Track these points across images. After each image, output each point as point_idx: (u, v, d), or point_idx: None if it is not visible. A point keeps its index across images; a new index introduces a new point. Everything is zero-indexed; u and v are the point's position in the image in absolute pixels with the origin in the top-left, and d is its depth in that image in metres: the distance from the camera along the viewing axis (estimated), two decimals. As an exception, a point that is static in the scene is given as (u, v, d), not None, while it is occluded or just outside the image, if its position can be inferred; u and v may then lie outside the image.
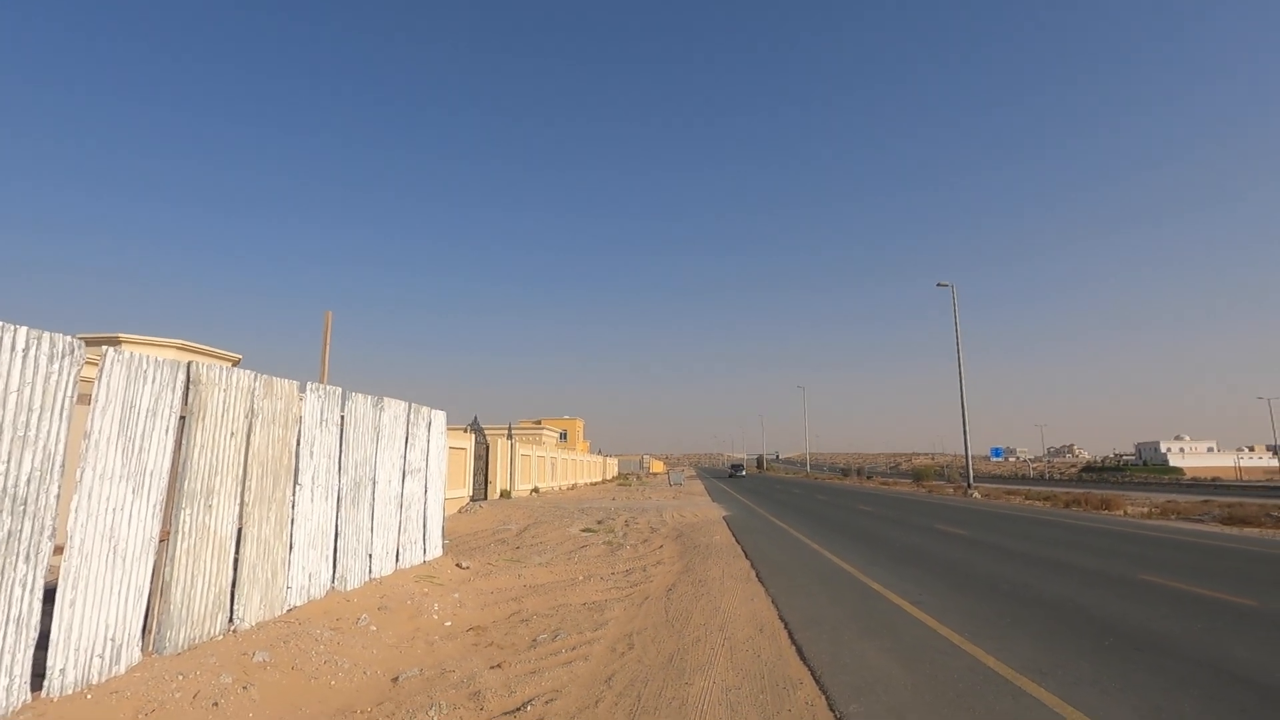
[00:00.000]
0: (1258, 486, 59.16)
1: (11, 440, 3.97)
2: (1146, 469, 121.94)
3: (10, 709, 3.85)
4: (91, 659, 4.43)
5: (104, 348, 4.66)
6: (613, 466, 74.49)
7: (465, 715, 4.46)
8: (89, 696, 4.15)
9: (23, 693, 3.97)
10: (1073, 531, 15.94)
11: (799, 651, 5.79)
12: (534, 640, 6.33)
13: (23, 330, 4.06)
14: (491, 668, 5.45)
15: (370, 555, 8.17)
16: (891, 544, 13.38)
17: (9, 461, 3.94)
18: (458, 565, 10.25)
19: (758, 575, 9.74)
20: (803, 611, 7.33)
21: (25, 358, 4.08)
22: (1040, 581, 8.98)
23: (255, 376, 6.15)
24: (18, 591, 3.96)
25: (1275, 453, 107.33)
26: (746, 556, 11.78)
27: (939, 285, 35.25)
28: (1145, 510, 21.97)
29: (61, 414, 4.28)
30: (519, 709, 4.52)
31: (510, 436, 32.31)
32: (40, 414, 4.14)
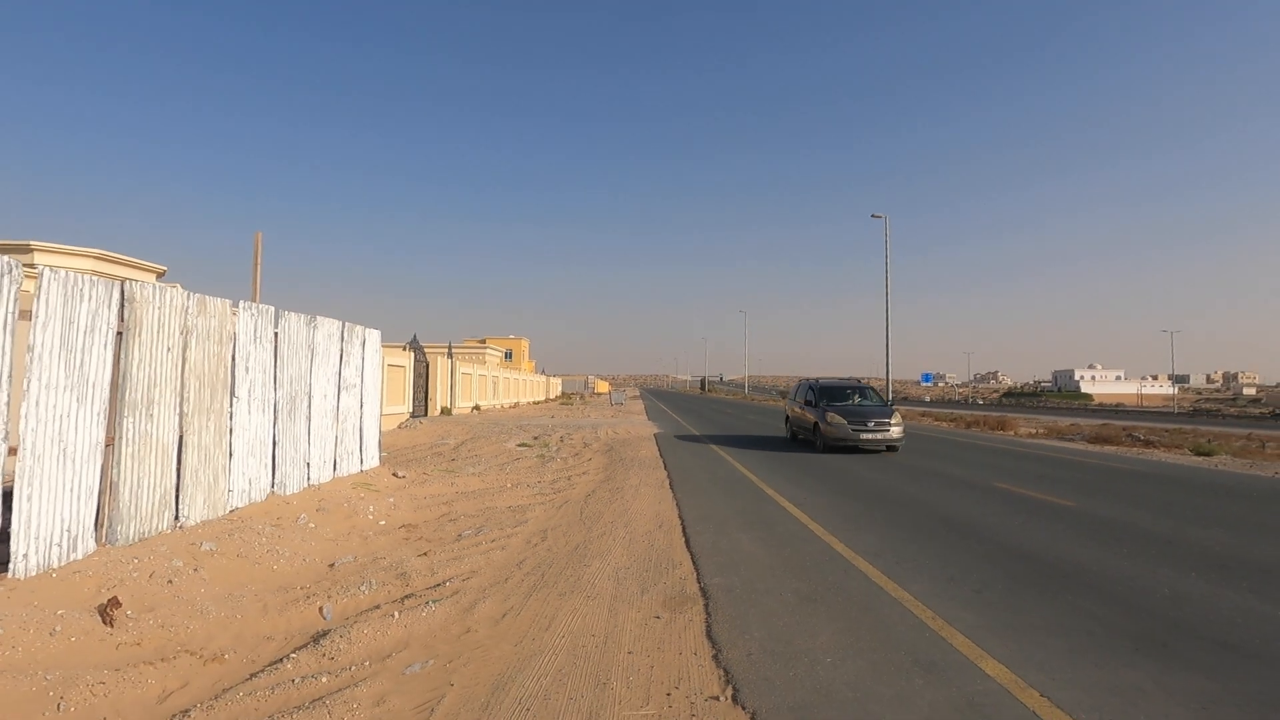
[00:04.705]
0: (1152, 411, 65.91)
1: (-40, 352, 4.34)
2: (1060, 395, 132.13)
3: (-18, 585, 4.42)
4: (50, 547, 4.98)
5: (41, 266, 4.96)
6: (556, 386, 75.57)
7: (392, 590, 5.28)
8: (54, 575, 4.74)
9: (-9, 572, 4.53)
10: (959, 448, 17.81)
11: (686, 541, 6.82)
12: (459, 535, 7.18)
13: (-40, 250, 4.35)
14: (419, 556, 6.27)
15: (308, 464, 8.77)
16: (796, 458, 14.78)
17: (-40, 371, 4.33)
18: (394, 474, 10.95)
19: (671, 483, 10.84)
20: (700, 510, 8.42)
21: (-35, 276, 4.39)
22: (907, 487, 10.39)
23: (189, 295, 6.48)
24: (-21, 486, 4.45)
25: (1174, 381, 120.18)
26: (666, 468, 12.91)
27: (873, 216, 36.30)
28: (1032, 431, 24.44)
29: (5, 328, 4.64)
30: (439, 584, 5.36)
31: (450, 355, 32.56)
32: (-16, 328, 4.50)
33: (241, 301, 7.41)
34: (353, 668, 3.81)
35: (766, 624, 4.44)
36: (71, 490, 5.16)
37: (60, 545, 5.05)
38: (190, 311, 6.49)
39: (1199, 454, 16.58)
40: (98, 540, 5.43)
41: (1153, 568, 5.86)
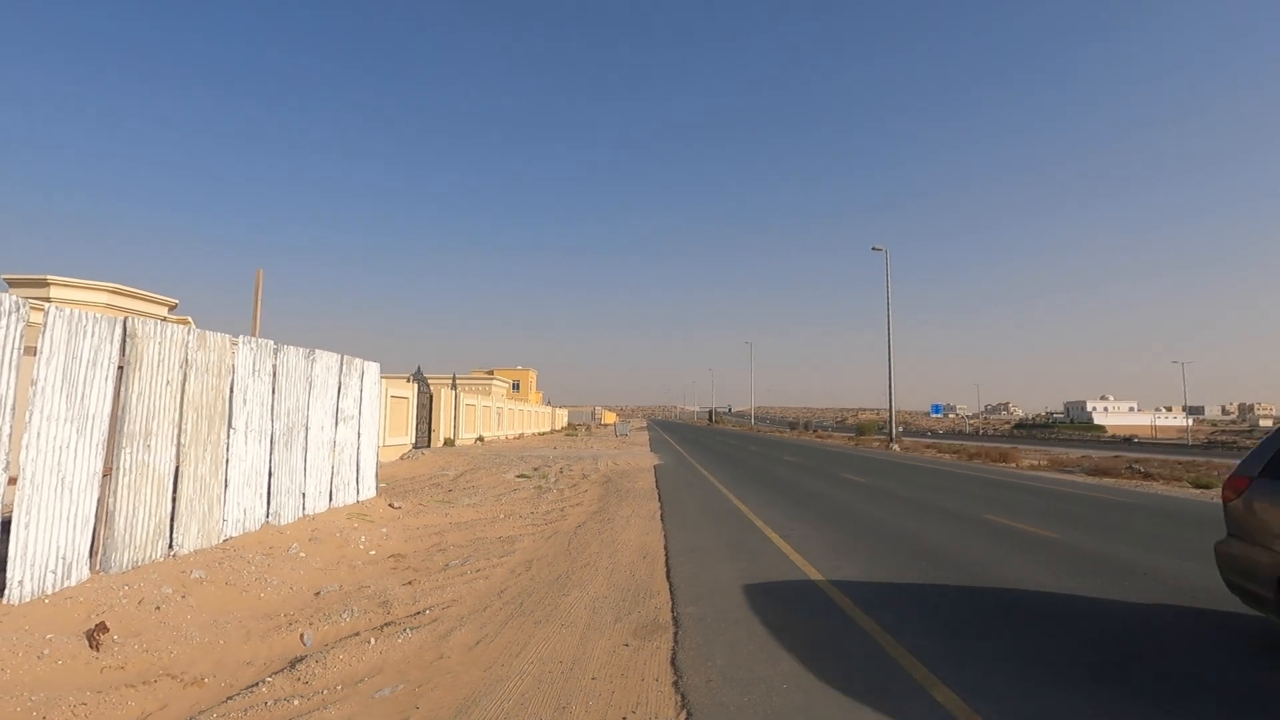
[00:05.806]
0: (1166, 444, 64.76)
1: (-33, 386, 4.61)
2: (1072, 426, 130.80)
3: (-22, 610, 4.61)
4: (45, 574, 5.17)
5: (47, 305, 5.25)
6: (562, 417, 75.67)
7: (374, 618, 5.42)
8: (47, 601, 4.92)
9: (-13, 598, 4.72)
10: (960, 480, 17.76)
11: (668, 572, 6.92)
12: (446, 565, 7.31)
13: (-27, 291, 4.64)
14: (404, 585, 6.41)
15: (304, 494, 8.95)
16: (794, 490, 14.83)
17: (-34, 405, 4.58)
18: (390, 505, 11.11)
19: (662, 515, 10.93)
20: (686, 542, 8.52)
21: (-24, 315, 4.67)
22: (897, 519, 10.42)
23: (189, 330, 6.76)
24: (-21, 514, 4.67)
25: (1188, 413, 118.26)
26: (660, 499, 12.99)
27: (874, 249, 36.77)
28: (1034, 463, 24.30)
29: (10, 364, 4.91)
30: (420, 613, 5.50)
31: (454, 386, 32.87)
32: (-9, 364, 4.76)
33: (241, 336, 7.70)
34: (325, 691, 3.95)
35: (730, 652, 4.54)
36: (68, 519, 5.37)
37: (55, 572, 5.24)
38: (190, 346, 6.76)
39: (1198, 486, 16.47)
40: (92, 568, 5.62)
41: (1124, 598, 5.91)
